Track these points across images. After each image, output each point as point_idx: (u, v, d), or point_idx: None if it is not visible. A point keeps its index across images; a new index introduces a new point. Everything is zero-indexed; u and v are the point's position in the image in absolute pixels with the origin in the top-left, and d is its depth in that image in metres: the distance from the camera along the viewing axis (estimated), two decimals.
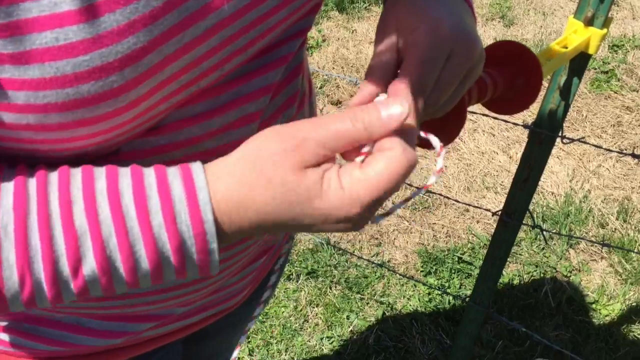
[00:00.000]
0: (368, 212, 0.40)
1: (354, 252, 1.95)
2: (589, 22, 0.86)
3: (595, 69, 2.63)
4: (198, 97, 0.47)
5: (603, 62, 2.66)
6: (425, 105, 0.47)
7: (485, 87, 0.60)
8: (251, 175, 0.39)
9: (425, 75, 0.45)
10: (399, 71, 0.47)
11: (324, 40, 2.80)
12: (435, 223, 2.07)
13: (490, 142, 2.34)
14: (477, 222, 2.06)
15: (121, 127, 0.41)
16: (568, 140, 0.98)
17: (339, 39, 2.81)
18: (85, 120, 0.39)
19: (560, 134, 0.99)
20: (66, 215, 0.38)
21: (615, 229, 2.01)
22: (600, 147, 0.93)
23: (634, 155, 0.90)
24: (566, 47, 0.85)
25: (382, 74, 0.47)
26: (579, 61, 0.90)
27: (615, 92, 2.53)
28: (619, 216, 2.04)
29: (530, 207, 2.10)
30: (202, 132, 0.48)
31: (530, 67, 0.62)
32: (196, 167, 0.41)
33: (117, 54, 0.37)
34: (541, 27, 2.87)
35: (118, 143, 0.44)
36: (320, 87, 2.58)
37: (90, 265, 0.39)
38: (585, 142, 0.94)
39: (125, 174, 0.40)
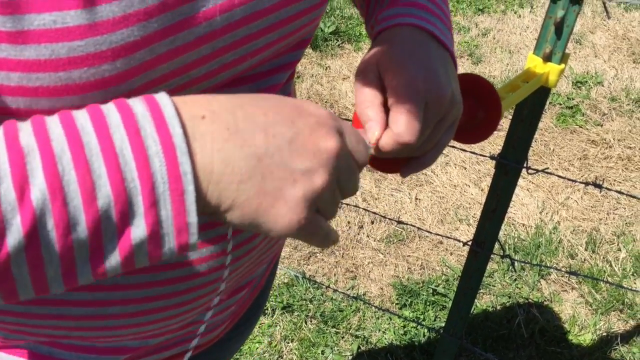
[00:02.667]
0: (333, 126, 0.42)
1: (329, 285, 1.95)
2: (548, 58, 0.90)
3: (561, 104, 2.72)
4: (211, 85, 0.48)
5: (568, 97, 2.76)
6: (407, 148, 0.52)
7: None
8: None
9: (412, 122, 0.51)
10: (389, 121, 0.52)
11: (298, 77, 2.85)
12: (409, 255, 2.08)
13: (462, 175, 2.39)
14: (451, 254, 2.08)
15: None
16: (533, 171, 1.02)
17: (313, 75, 2.86)
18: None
19: (525, 165, 1.02)
20: (10, 135, 0.34)
21: (584, 259, 2.05)
22: (564, 177, 0.96)
23: (595, 185, 0.93)
24: (527, 82, 0.89)
25: (378, 110, 0.53)
26: (540, 94, 0.94)
27: (581, 127, 2.61)
28: (587, 247, 2.08)
29: (502, 239, 2.14)
30: None
31: (490, 101, 0.65)
32: (162, 97, 0.38)
33: (111, 43, 0.38)
34: (507, 64, 2.97)
35: None
36: None
37: (39, 185, 0.33)
38: (550, 173, 0.98)
39: (80, 111, 0.37)
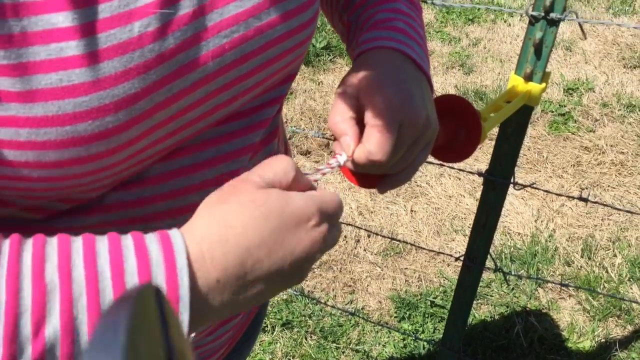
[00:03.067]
0: (328, 218, 0.44)
1: (327, 300, 1.96)
2: (529, 78, 0.92)
3: (553, 111, 2.75)
4: (183, 152, 0.51)
5: (559, 105, 2.78)
6: (393, 166, 0.55)
7: None
8: (221, 209, 0.41)
9: (385, 140, 0.53)
10: (363, 137, 0.54)
11: (291, 93, 2.87)
12: (406, 268, 2.10)
13: (457, 185, 2.41)
14: (448, 265, 2.10)
15: (110, 168, 0.45)
16: (520, 187, 1.03)
17: (305, 91, 2.89)
18: (80, 159, 0.42)
19: (512, 181, 1.04)
20: (37, 269, 0.37)
21: (580, 266, 2.06)
22: (548, 191, 0.98)
23: (580, 199, 0.95)
24: (509, 102, 0.91)
25: (350, 130, 0.55)
26: (523, 113, 0.96)
27: (573, 133, 2.63)
28: (583, 254, 2.10)
29: (498, 249, 2.15)
30: (184, 185, 0.52)
31: (471, 121, 0.67)
32: (174, 231, 0.41)
33: (114, 97, 0.41)
34: (499, 73, 2.99)
35: (105, 186, 0.47)
36: (290, 138, 2.63)
37: (54, 324, 0.36)
38: (537, 188, 1.00)
39: (102, 238, 0.40)
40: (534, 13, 0.88)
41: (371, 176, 0.61)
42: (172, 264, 0.38)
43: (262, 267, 0.41)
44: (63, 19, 0.39)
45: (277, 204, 0.41)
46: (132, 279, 0.37)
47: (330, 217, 0.45)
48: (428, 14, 3.55)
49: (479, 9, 3.56)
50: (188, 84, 0.46)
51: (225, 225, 0.40)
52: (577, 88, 2.88)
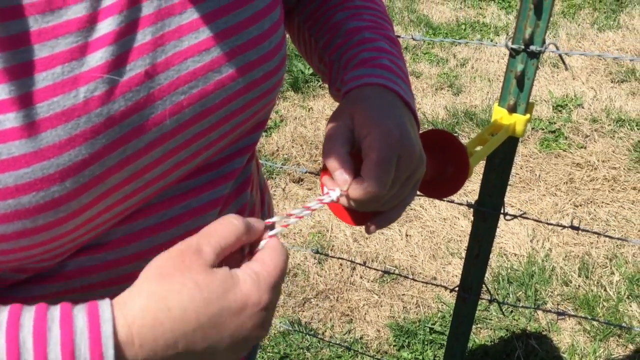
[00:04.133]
0: (274, 297, 0.42)
1: (325, 331, 1.93)
2: (513, 109, 0.92)
3: (543, 129, 2.75)
4: (147, 212, 0.49)
5: (549, 122, 2.79)
6: (390, 200, 0.53)
7: None
8: (162, 287, 0.39)
9: (384, 173, 0.51)
10: (361, 170, 0.53)
11: (282, 121, 2.88)
12: (404, 294, 2.08)
13: (451, 207, 2.40)
14: (445, 289, 2.08)
15: (63, 237, 0.43)
16: (510, 217, 1.03)
17: (296, 118, 2.89)
18: (27, 231, 0.40)
19: (502, 211, 1.03)
20: None
21: (578, 285, 2.05)
22: (539, 220, 0.97)
23: (572, 227, 0.94)
24: (494, 134, 0.91)
25: (346, 164, 0.53)
26: (510, 144, 0.96)
27: (564, 150, 2.64)
28: (580, 273, 2.08)
29: (495, 270, 2.14)
30: (151, 245, 0.50)
31: (458, 156, 0.66)
32: (104, 302, 0.39)
33: (58, 166, 0.40)
34: (487, 93, 3.01)
35: (61, 254, 0.45)
36: (282, 165, 2.63)
37: None
38: (526, 218, 0.99)
39: (29, 309, 0.38)
40: (514, 46, 0.88)
41: (360, 214, 0.59)
42: (97, 333, 0.37)
43: (195, 349, 0.39)
44: (0, 92, 0.38)
45: (221, 290, 0.40)
46: (55, 349, 0.36)
47: (276, 294, 0.43)
48: (415, 36, 3.57)
49: (465, 29, 3.59)
50: (143, 145, 0.44)
51: (163, 308, 0.38)
52: (566, 104, 2.89)
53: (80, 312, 0.38)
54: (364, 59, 0.60)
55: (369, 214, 0.58)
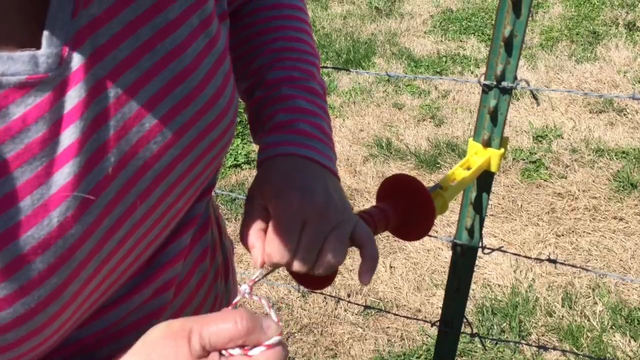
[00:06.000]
0: None
1: None
2: (487, 144, 0.93)
3: (524, 159, 2.78)
4: (118, 286, 0.48)
5: (530, 152, 2.82)
6: (301, 264, 0.54)
7: (372, 223, 0.64)
8: None
9: (283, 242, 0.53)
10: (266, 239, 0.54)
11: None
12: (388, 327, 2.06)
13: (434, 238, 2.40)
14: (430, 322, 2.06)
15: (46, 349, 0.42)
16: (489, 251, 1.03)
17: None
18: (12, 358, 0.40)
19: (480, 245, 1.03)
20: None
21: (562, 316, 2.04)
22: (519, 254, 0.97)
23: (550, 260, 0.94)
24: (469, 169, 0.92)
25: (259, 235, 0.55)
26: (485, 177, 0.97)
27: (545, 180, 2.66)
28: (564, 303, 2.08)
29: (479, 302, 2.13)
30: (124, 313, 0.50)
31: (422, 201, 0.67)
32: None
33: (40, 297, 0.38)
34: (469, 124, 3.04)
35: (42, 352, 0.44)
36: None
37: None
38: (504, 251, 0.99)
39: None
40: (487, 82, 0.89)
41: (312, 278, 0.60)
42: None
43: None
44: None
45: None
46: None
47: None
48: (397, 69, 3.63)
49: (445, 61, 3.65)
50: (116, 243, 0.43)
51: None
52: (546, 135, 2.93)
53: None
54: (279, 122, 0.60)
55: (322, 277, 0.59)
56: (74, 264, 0.40)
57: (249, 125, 0.67)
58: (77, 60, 0.40)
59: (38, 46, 0.39)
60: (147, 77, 0.44)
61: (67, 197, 0.39)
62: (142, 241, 0.47)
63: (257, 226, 0.55)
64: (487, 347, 1.94)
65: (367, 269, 0.57)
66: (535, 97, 0.86)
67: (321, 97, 0.64)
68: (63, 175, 0.39)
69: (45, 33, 0.39)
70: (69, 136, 0.40)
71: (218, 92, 0.50)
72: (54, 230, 0.39)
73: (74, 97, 0.40)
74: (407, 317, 1.35)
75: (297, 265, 0.54)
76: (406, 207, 0.68)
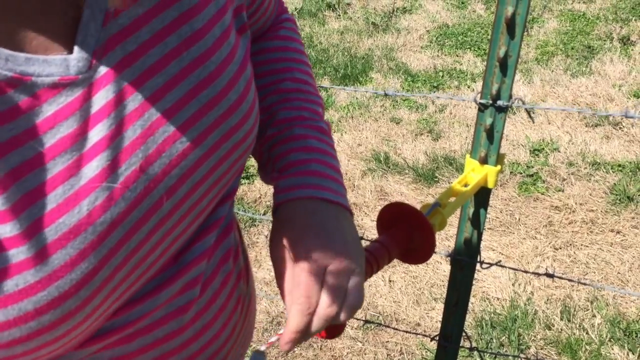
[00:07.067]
0: None
1: None
2: (484, 161, 0.95)
3: (521, 173, 2.81)
4: (145, 280, 0.50)
5: (527, 166, 2.84)
6: (331, 307, 0.55)
7: (374, 261, 0.66)
8: None
9: (311, 291, 0.55)
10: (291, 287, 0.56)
11: None
12: (388, 341, 2.06)
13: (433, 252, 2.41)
14: (429, 335, 2.07)
15: (79, 336, 0.45)
16: (487, 265, 1.04)
17: None
18: (47, 343, 0.42)
19: (478, 260, 1.05)
20: None
21: (561, 329, 2.05)
22: (517, 269, 0.98)
23: (547, 275, 0.96)
24: (467, 185, 0.93)
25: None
26: (482, 194, 0.98)
27: (543, 194, 2.68)
28: (562, 316, 2.09)
29: (479, 315, 2.14)
30: (151, 307, 0.52)
31: (421, 225, 0.68)
32: None
33: (72, 281, 0.41)
34: (466, 138, 3.07)
35: (77, 343, 0.46)
36: (263, 215, 2.64)
37: None
38: (502, 266, 1.00)
39: None
40: (482, 101, 0.91)
41: (332, 327, 0.62)
42: None
43: None
44: (10, 229, 0.39)
45: None
46: None
47: None
48: (394, 83, 3.66)
49: (442, 76, 3.68)
50: (144, 235, 0.46)
51: None
52: (543, 149, 2.96)
53: None
54: (292, 162, 0.62)
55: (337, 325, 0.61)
56: (103, 251, 0.43)
57: (257, 163, 0.69)
58: (106, 65, 0.44)
59: (71, 52, 0.43)
60: (174, 82, 0.48)
61: (95, 188, 0.42)
62: (169, 236, 0.49)
63: (292, 282, 0.56)
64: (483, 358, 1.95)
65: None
66: (530, 115, 0.88)
67: (329, 136, 0.67)
68: (92, 168, 0.42)
69: (77, 39, 0.43)
70: (97, 133, 0.43)
71: (241, 97, 0.53)
72: (83, 218, 0.42)
73: (102, 97, 0.43)
74: (407, 332, 1.36)
75: (325, 309, 0.55)
76: (405, 235, 0.69)
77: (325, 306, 0.55)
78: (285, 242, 0.57)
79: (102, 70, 0.44)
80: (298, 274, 0.55)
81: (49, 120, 0.41)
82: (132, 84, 0.45)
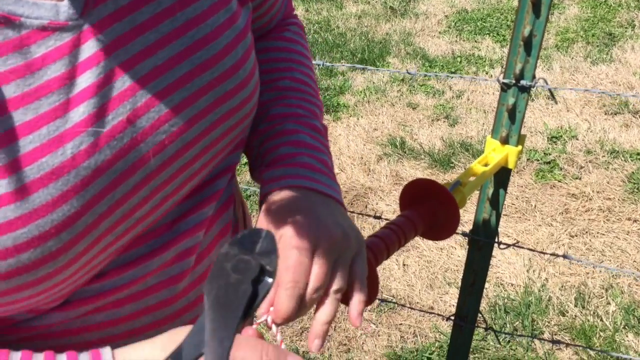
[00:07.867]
0: None
1: None
2: (505, 141, 0.95)
3: (538, 160, 2.79)
4: (137, 242, 0.51)
5: (544, 153, 2.83)
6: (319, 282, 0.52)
7: (402, 234, 0.66)
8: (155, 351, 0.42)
9: (299, 273, 0.51)
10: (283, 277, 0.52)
11: None
12: (401, 324, 2.08)
13: None
14: (442, 318, 2.08)
15: (62, 284, 0.45)
16: (505, 246, 1.05)
17: None
18: (28, 284, 0.42)
19: (496, 240, 1.05)
20: None
21: (575, 315, 2.05)
22: (534, 250, 0.99)
23: (564, 257, 0.96)
24: (487, 165, 0.94)
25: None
26: (502, 174, 0.99)
27: (559, 181, 2.67)
28: (577, 303, 2.09)
29: (492, 300, 2.14)
30: (144, 273, 0.52)
31: (445, 203, 0.69)
32: (105, 351, 0.42)
33: (53, 222, 0.42)
34: (483, 124, 3.05)
35: (62, 297, 0.47)
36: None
37: None
38: (520, 247, 1.01)
39: (38, 355, 0.41)
40: (505, 80, 0.91)
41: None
42: None
43: None
44: None
45: None
46: None
47: None
48: (411, 68, 3.64)
49: (460, 61, 3.66)
50: (130, 187, 0.46)
51: None
52: (561, 136, 2.93)
53: (84, 356, 0.41)
54: (282, 155, 0.60)
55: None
56: (86, 196, 0.43)
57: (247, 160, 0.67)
58: (97, 15, 0.44)
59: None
60: (166, 40, 0.48)
61: (81, 133, 0.43)
62: (157, 194, 0.49)
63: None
64: (500, 343, 1.96)
65: (355, 314, 0.56)
66: (552, 95, 0.88)
67: (324, 136, 0.65)
68: (78, 113, 0.43)
69: None
70: (85, 80, 0.43)
71: (237, 64, 0.53)
72: (67, 161, 0.42)
73: (91, 46, 0.44)
74: (422, 310, 1.37)
75: (333, 290, 0.53)
76: (431, 210, 0.70)
77: (313, 288, 0.52)
78: (272, 226, 0.55)
79: (93, 19, 0.44)
80: (287, 256, 0.52)
81: (37, 61, 0.41)
82: (123, 36, 0.45)
